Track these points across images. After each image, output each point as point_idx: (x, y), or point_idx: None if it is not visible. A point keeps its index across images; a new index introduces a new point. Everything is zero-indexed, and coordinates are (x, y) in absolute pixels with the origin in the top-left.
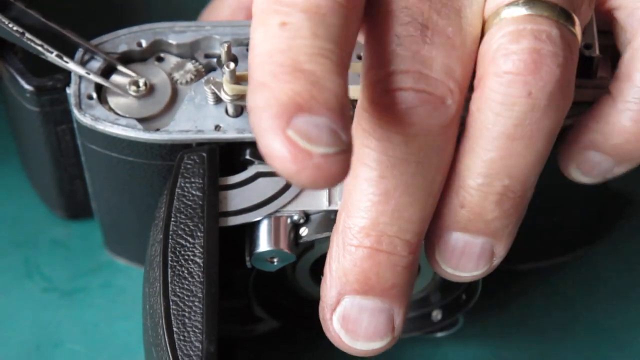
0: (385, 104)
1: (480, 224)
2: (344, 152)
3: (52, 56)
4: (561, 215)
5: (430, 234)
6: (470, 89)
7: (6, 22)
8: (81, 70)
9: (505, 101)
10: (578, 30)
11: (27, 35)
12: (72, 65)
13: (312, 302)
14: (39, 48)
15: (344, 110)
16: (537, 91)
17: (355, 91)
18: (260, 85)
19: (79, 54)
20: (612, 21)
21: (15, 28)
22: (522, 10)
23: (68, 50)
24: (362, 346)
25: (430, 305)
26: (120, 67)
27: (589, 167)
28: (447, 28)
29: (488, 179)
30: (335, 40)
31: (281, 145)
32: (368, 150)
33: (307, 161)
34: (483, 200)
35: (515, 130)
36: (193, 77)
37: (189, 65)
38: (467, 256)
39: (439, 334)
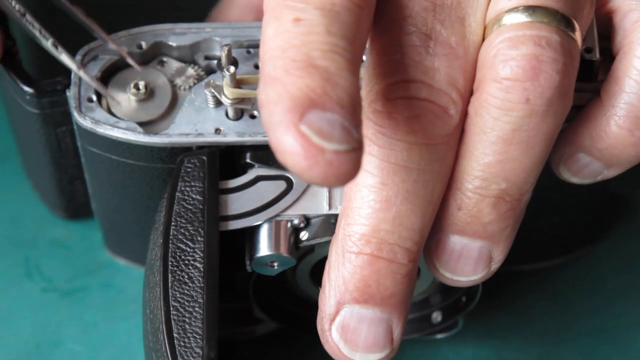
0: (388, 112)
1: (477, 227)
2: (356, 150)
3: (47, 44)
4: (561, 216)
5: (428, 237)
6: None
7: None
8: (72, 65)
9: (503, 106)
10: (578, 36)
11: (28, 17)
12: (64, 57)
13: (312, 305)
14: (36, 32)
15: (356, 108)
16: (535, 97)
17: None
18: (272, 79)
19: (80, 55)
20: (609, 24)
21: (17, 7)
22: (522, 17)
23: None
24: (360, 357)
25: (430, 307)
26: (131, 61)
27: (578, 168)
28: (451, 38)
29: (485, 182)
30: (348, 38)
31: (294, 139)
32: (370, 157)
33: (319, 157)
34: (480, 202)
35: (513, 135)
36: (194, 82)
37: (190, 71)
38: (465, 260)
39: (439, 336)
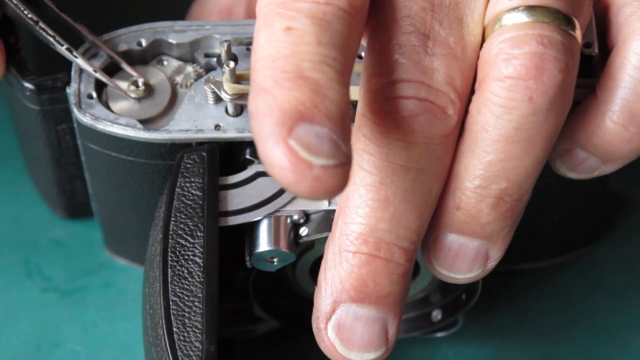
0: (387, 111)
1: (475, 227)
2: (344, 164)
3: (62, 49)
4: (561, 215)
5: (426, 234)
6: (471, 91)
7: (22, 9)
8: (88, 67)
9: (506, 105)
10: (579, 34)
11: (41, 24)
12: (80, 61)
13: (312, 303)
14: (51, 39)
15: (345, 121)
16: (538, 96)
17: (356, 92)
18: (262, 90)
19: (81, 50)
20: (604, 19)
21: (30, 15)
22: (523, 17)
23: (76, 44)
24: (356, 356)
25: (430, 305)
26: (125, 66)
27: (574, 164)
28: (449, 38)
29: (485, 182)
30: (339, 47)
31: (282, 154)
32: (368, 156)
33: (307, 172)
34: (479, 203)
35: (515, 134)
36: (194, 80)
37: (189, 69)
38: (462, 258)
39: (439, 335)
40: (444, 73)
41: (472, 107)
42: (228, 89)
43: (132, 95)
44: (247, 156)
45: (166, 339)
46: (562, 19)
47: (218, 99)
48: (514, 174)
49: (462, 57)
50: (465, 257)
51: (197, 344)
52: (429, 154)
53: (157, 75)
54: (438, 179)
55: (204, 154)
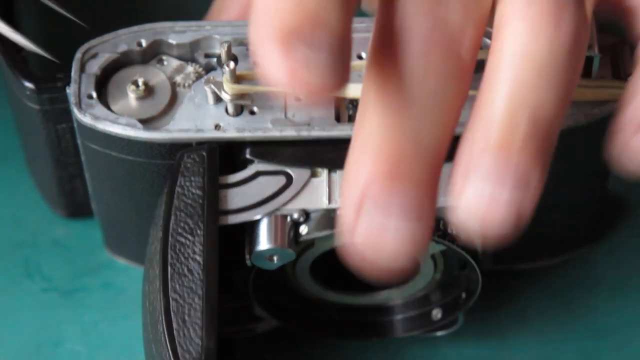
0: (398, 46)
1: (508, 157)
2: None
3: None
4: (561, 215)
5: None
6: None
7: None
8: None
9: (531, 33)
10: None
11: None
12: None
13: (313, 301)
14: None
15: (345, 40)
16: (567, 23)
17: (356, 90)
18: (261, 9)
19: (80, 53)
20: (623, 11)
21: None
22: None
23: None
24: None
25: (430, 304)
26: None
27: None
28: None
29: (513, 111)
30: None
31: (278, 52)
32: (376, 92)
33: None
34: (510, 133)
35: (540, 62)
36: (194, 80)
37: (190, 69)
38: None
39: (439, 333)
40: (457, 18)
41: (494, 41)
42: (228, 89)
43: (131, 95)
44: (247, 156)
45: (166, 336)
46: None
47: (218, 99)
48: (540, 107)
49: (476, 7)
50: (505, 183)
51: (197, 340)
52: (444, 89)
53: (157, 75)
54: (451, 116)
55: (204, 153)
